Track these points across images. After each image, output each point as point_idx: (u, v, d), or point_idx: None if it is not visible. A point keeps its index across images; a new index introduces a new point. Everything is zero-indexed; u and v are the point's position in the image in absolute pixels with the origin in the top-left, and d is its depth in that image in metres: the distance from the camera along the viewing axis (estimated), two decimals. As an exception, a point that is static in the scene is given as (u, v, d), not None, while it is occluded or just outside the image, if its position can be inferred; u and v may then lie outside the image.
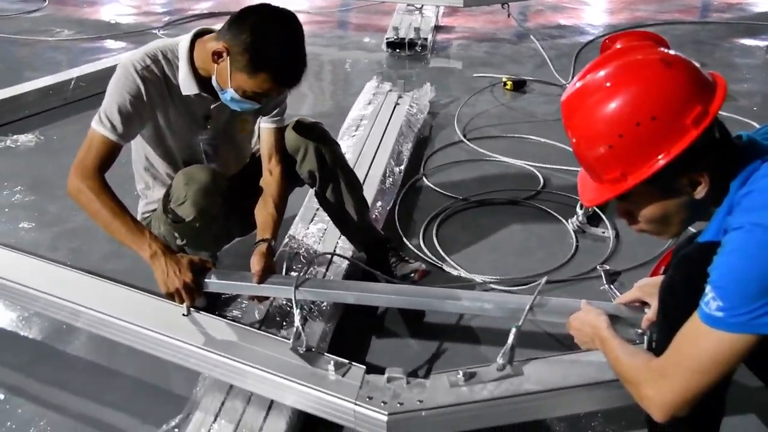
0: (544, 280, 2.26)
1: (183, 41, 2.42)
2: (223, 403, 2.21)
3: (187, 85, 2.41)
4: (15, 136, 4.13)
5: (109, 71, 4.51)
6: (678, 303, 1.67)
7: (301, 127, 2.65)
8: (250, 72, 2.24)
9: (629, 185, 1.58)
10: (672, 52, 1.62)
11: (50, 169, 3.84)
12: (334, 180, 2.68)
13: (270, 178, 2.59)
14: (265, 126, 2.61)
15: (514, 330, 2.09)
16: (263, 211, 2.55)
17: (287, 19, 2.31)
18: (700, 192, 1.59)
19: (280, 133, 2.61)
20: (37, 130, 4.21)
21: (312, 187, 2.75)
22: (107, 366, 2.51)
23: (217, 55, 2.27)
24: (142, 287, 2.48)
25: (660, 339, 1.76)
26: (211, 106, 2.50)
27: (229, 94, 2.30)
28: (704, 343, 1.53)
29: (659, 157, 1.53)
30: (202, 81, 2.42)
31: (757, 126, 1.61)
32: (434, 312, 2.64)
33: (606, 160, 1.60)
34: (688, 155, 1.52)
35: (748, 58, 5.19)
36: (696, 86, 1.55)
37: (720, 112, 1.54)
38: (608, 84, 1.58)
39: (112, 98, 2.36)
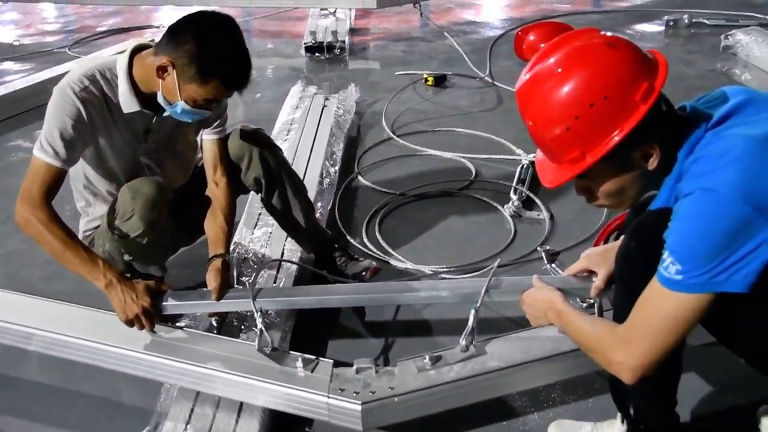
0: (497, 262, 2.35)
1: (121, 58, 2.39)
2: (192, 410, 2.22)
3: (128, 103, 2.39)
4: None
5: (26, 91, 4.56)
6: (635, 270, 1.75)
7: (243, 134, 2.66)
8: (200, 81, 2.23)
9: (588, 163, 1.66)
10: (611, 34, 1.70)
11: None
12: (280, 185, 2.71)
13: (216, 189, 2.60)
14: (207, 138, 2.61)
15: (473, 311, 2.16)
16: (214, 226, 2.56)
17: (227, 23, 2.31)
18: (653, 163, 1.68)
19: (223, 143, 2.62)
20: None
21: (258, 194, 2.76)
22: (65, 387, 2.48)
23: (162, 70, 2.26)
24: (91, 305, 2.45)
25: (619, 306, 1.84)
26: (153, 121, 2.49)
27: (179, 107, 2.29)
28: (666, 306, 1.61)
29: (614, 133, 1.61)
30: (143, 97, 2.41)
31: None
32: (384, 306, 2.70)
33: (564, 142, 1.67)
34: (640, 129, 1.61)
35: (648, 42, 5.39)
36: (640, 64, 1.64)
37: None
38: (559, 70, 1.65)
39: (52, 123, 2.31)
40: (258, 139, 2.67)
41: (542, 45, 4.50)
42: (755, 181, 1.54)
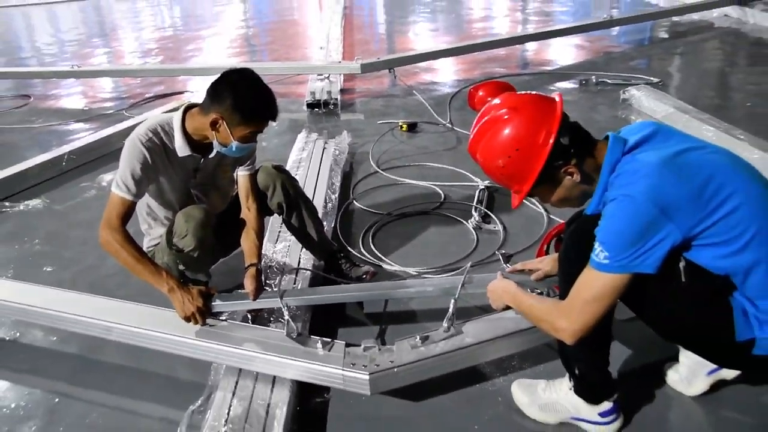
0: (468, 264, 2.39)
1: (176, 115, 2.43)
2: (236, 383, 2.23)
3: (182, 149, 2.42)
4: (26, 202, 4.02)
5: (95, 144, 4.53)
6: (574, 259, 1.81)
7: (268, 169, 2.69)
8: (246, 122, 2.28)
9: (525, 192, 1.81)
10: (519, 96, 1.83)
11: (58, 224, 3.75)
12: (297, 208, 2.72)
13: (249, 213, 2.62)
14: (241, 173, 2.64)
15: (453, 301, 2.20)
16: (248, 241, 2.57)
17: (248, 73, 2.34)
18: (576, 177, 1.78)
19: (253, 177, 2.65)
20: (43, 195, 4.10)
21: (280, 215, 2.77)
22: (136, 367, 2.49)
23: (214, 124, 2.29)
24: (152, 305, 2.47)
25: (563, 288, 1.88)
26: (200, 162, 2.51)
27: (234, 146, 2.32)
28: (597, 283, 1.69)
29: (533, 170, 1.76)
30: (193, 143, 2.43)
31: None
32: (381, 300, 2.70)
33: (503, 181, 1.86)
34: (553, 159, 1.74)
35: (566, 95, 5.43)
36: (538, 117, 1.76)
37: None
38: (484, 139, 1.81)
39: (125, 167, 2.34)
40: (279, 172, 2.70)
41: (489, 99, 4.61)
42: (660, 190, 1.63)
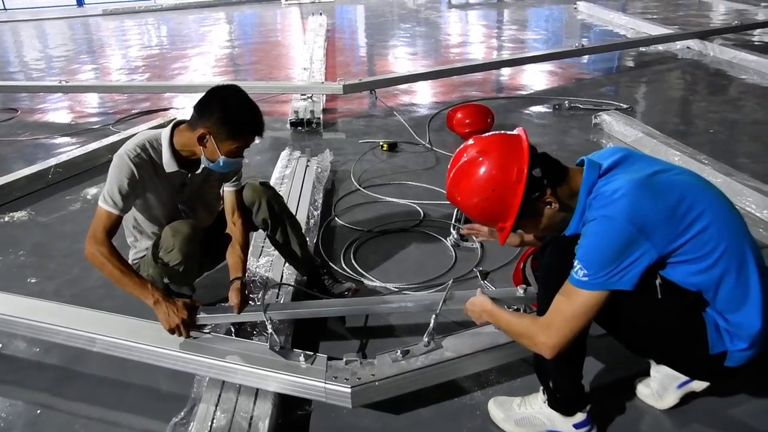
0: (451, 281, 2.38)
1: (165, 131, 2.41)
2: (219, 396, 2.19)
3: (169, 165, 2.39)
4: (11, 213, 3.93)
5: (81, 158, 4.47)
6: (553, 276, 1.82)
7: (254, 186, 2.66)
8: (233, 136, 2.26)
9: (508, 230, 1.83)
10: (486, 138, 1.86)
11: (43, 236, 3.67)
12: (282, 224, 2.69)
13: (234, 228, 2.59)
14: (227, 189, 2.62)
15: (434, 317, 2.18)
16: (233, 256, 2.53)
17: (235, 89, 2.34)
18: (555, 205, 1.80)
19: (239, 193, 2.62)
20: (29, 207, 4.02)
21: (265, 231, 2.73)
22: (119, 379, 2.44)
23: (201, 139, 2.27)
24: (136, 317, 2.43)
25: (542, 303, 1.87)
26: (188, 177, 2.48)
27: (221, 161, 2.30)
28: (577, 299, 1.69)
29: (512, 207, 1.78)
30: (180, 159, 2.40)
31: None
32: (361, 316, 2.69)
33: (485, 221, 1.90)
34: (528, 193, 1.76)
35: (540, 119, 5.50)
36: (507, 156, 1.79)
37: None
38: (461, 184, 1.84)
39: (112, 181, 2.31)
40: (264, 189, 2.67)
41: (467, 120, 4.59)
42: (638, 210, 1.65)
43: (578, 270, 1.68)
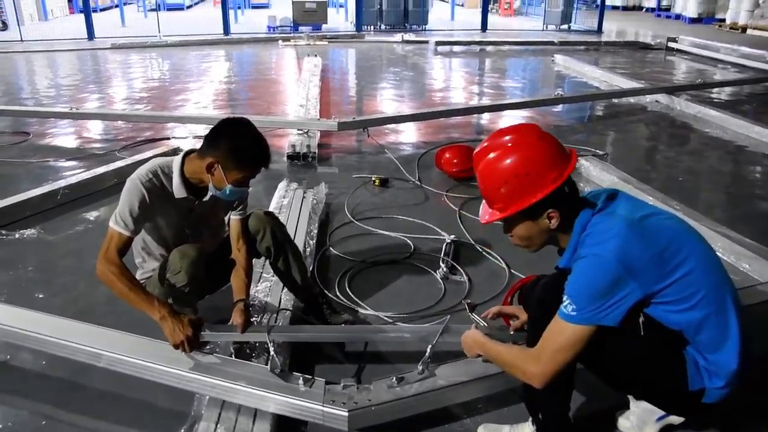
0: (448, 317, 2.38)
1: (176, 159, 2.40)
2: (219, 415, 2.15)
3: (179, 191, 2.38)
4: (22, 231, 3.88)
5: (88, 181, 4.43)
6: (545, 310, 1.80)
7: (259, 215, 2.65)
8: (240, 166, 2.25)
9: (509, 213, 1.76)
10: (548, 133, 1.81)
11: (51, 253, 3.63)
12: (284, 253, 2.67)
13: (239, 253, 2.57)
14: (233, 217, 2.60)
15: (429, 347, 2.17)
16: (237, 279, 2.51)
17: (244, 122, 2.34)
18: (554, 224, 1.77)
19: (244, 221, 2.60)
20: (38, 225, 3.97)
21: (268, 259, 2.71)
22: (121, 394, 2.39)
23: (210, 167, 2.26)
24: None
25: (532, 336, 1.86)
26: (195, 204, 2.46)
27: (228, 189, 2.29)
28: (565, 333, 1.69)
29: (528, 198, 1.72)
30: (189, 186, 2.39)
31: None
32: (358, 341, 2.66)
33: (496, 197, 1.78)
34: (546, 199, 1.72)
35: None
36: (557, 156, 1.75)
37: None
38: (501, 149, 1.76)
39: (124, 204, 2.30)
40: (268, 218, 2.65)
41: (454, 160, 4.59)
42: (627, 251, 1.65)
43: (567, 305, 1.68)
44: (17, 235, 3.82)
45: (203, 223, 2.58)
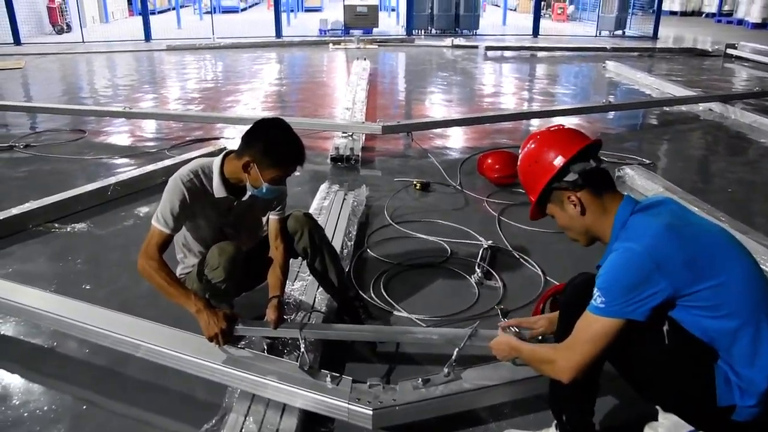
0: (478, 322, 2.41)
1: (216, 160, 2.48)
2: (249, 407, 2.22)
3: (219, 191, 2.46)
4: (73, 225, 4.06)
5: (138, 178, 4.60)
6: (574, 307, 1.83)
7: (298, 216, 2.71)
8: (275, 165, 2.32)
9: (533, 205, 1.91)
10: (566, 127, 1.93)
11: (100, 247, 3.79)
12: (321, 254, 2.72)
13: (276, 252, 2.63)
14: (272, 217, 2.66)
15: (456, 350, 2.19)
16: (273, 276, 2.57)
17: (280, 121, 2.40)
18: (578, 208, 1.83)
19: (283, 221, 2.66)
20: (88, 220, 4.15)
21: (305, 259, 2.77)
22: (157, 383, 2.49)
23: (246, 166, 2.33)
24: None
25: (562, 331, 1.88)
26: (234, 203, 2.54)
27: (265, 188, 2.36)
28: (594, 326, 1.70)
29: (538, 184, 1.85)
30: (229, 186, 2.46)
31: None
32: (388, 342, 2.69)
33: (525, 188, 1.94)
34: (555, 180, 1.82)
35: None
36: (562, 143, 1.84)
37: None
38: (525, 147, 1.94)
39: (166, 203, 2.39)
40: (306, 220, 2.71)
41: (496, 166, 4.62)
42: (661, 249, 1.66)
43: (597, 298, 1.69)
44: (69, 229, 4.00)
45: (242, 223, 2.66)
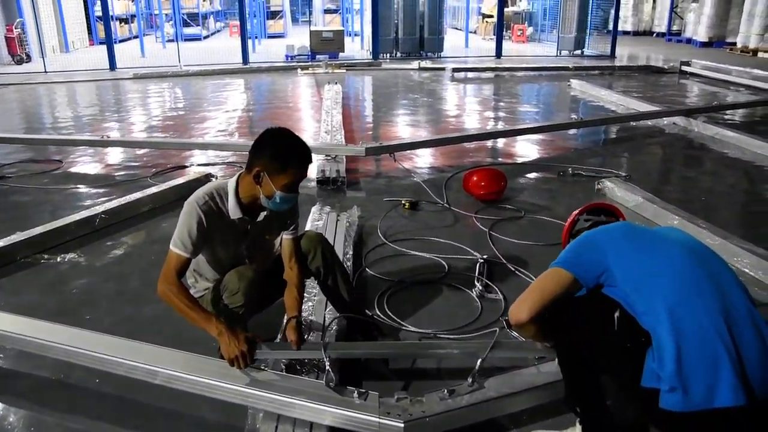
0: (497, 330, 2.46)
1: (231, 181, 2.51)
2: (276, 428, 2.22)
3: (234, 212, 2.48)
4: (63, 255, 4.01)
5: (122, 207, 4.57)
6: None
7: (311, 236, 2.74)
8: (284, 170, 2.35)
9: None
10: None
11: (94, 277, 3.75)
12: (333, 273, 2.75)
13: (291, 272, 2.65)
14: (286, 237, 2.68)
15: (479, 360, 2.24)
16: (290, 297, 2.59)
17: (283, 130, 2.44)
18: None
19: (296, 241, 2.69)
20: (78, 250, 4.10)
21: (317, 279, 2.79)
22: (173, 409, 2.48)
23: (257, 177, 2.36)
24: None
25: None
26: (249, 226, 2.56)
27: (278, 197, 2.39)
28: (546, 275, 2.01)
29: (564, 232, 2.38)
30: (244, 207, 2.48)
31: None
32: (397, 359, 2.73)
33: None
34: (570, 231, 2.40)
35: (546, 184, 5.61)
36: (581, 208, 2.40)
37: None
38: None
39: (183, 227, 2.40)
40: (319, 240, 2.74)
41: (482, 183, 4.81)
42: (611, 234, 2.05)
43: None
44: (59, 259, 3.94)
45: (258, 245, 2.67)
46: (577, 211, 2.43)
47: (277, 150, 2.35)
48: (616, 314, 1.87)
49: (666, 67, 14.32)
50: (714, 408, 1.68)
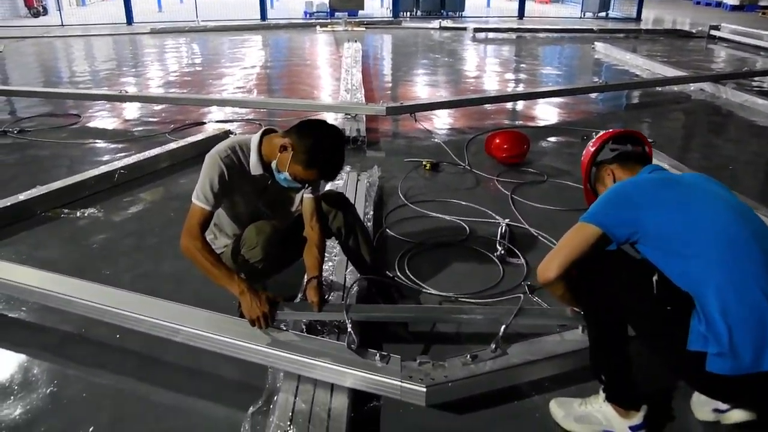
0: (522, 297, 2.42)
1: (255, 137, 2.45)
2: (297, 387, 2.21)
3: (255, 167, 2.43)
4: (82, 210, 4.01)
5: (141, 162, 4.53)
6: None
7: (331, 195, 2.70)
8: (305, 167, 2.29)
9: (584, 188, 2.36)
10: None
11: (113, 232, 3.74)
12: (354, 233, 2.72)
13: (312, 231, 2.61)
14: (307, 196, 2.62)
15: (503, 327, 2.21)
16: (310, 256, 2.55)
17: (338, 135, 2.38)
18: (611, 179, 2.18)
19: (318, 201, 2.64)
20: (98, 205, 4.09)
21: (338, 239, 2.76)
22: (194, 368, 2.47)
23: (283, 147, 2.30)
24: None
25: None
26: (269, 182, 2.52)
27: (283, 176, 2.35)
28: (574, 231, 1.94)
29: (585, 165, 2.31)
30: (265, 165, 2.44)
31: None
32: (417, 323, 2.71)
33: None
34: (594, 157, 2.25)
35: (571, 148, 5.52)
36: (599, 137, 2.26)
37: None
38: None
39: (204, 179, 2.35)
40: (340, 200, 2.70)
41: (504, 146, 4.73)
42: (640, 182, 1.99)
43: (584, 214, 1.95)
44: (78, 214, 3.94)
45: (277, 202, 2.64)
46: (599, 136, 2.28)
47: (317, 148, 2.27)
48: (655, 278, 1.80)
49: (694, 31, 13.95)
50: (762, 371, 1.65)
